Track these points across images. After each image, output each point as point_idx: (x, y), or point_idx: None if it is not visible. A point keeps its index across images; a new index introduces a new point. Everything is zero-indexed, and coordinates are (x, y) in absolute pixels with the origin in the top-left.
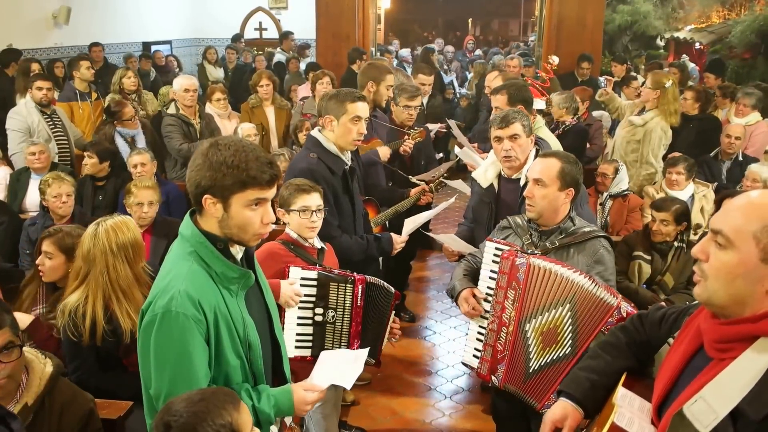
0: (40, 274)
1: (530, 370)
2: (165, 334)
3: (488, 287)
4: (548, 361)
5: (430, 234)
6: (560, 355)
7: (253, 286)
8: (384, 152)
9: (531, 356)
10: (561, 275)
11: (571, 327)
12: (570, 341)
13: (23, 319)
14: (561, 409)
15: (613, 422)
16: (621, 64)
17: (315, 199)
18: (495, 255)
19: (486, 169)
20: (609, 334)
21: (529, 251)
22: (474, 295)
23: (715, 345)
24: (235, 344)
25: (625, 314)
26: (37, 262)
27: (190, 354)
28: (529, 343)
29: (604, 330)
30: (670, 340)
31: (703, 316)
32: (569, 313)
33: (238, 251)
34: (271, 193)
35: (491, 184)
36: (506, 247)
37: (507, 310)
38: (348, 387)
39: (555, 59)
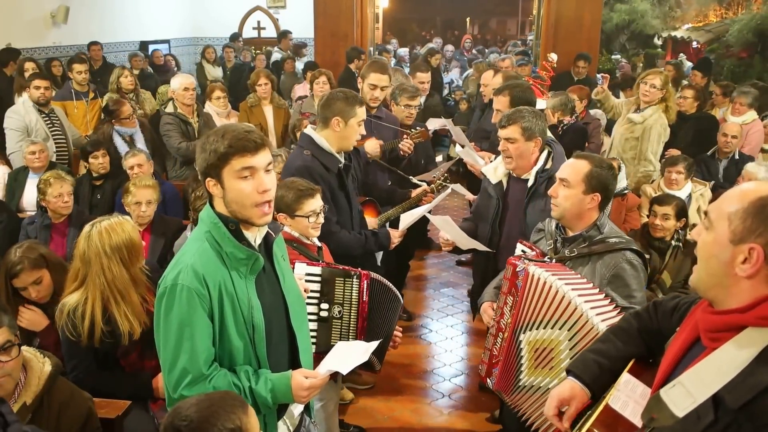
0: (37, 299)
1: (520, 383)
2: (170, 305)
3: None
4: (540, 384)
5: (429, 216)
6: (554, 385)
7: (268, 273)
8: (372, 147)
9: (522, 368)
10: (561, 293)
11: (568, 359)
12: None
13: (39, 321)
14: (569, 389)
15: (607, 404)
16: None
17: (318, 201)
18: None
19: (497, 166)
20: (622, 319)
21: (546, 257)
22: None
23: (707, 334)
24: (239, 324)
25: None
26: (30, 297)
27: (191, 326)
28: (522, 354)
29: None
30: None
31: (701, 307)
32: (567, 342)
33: (256, 237)
34: (257, 159)
35: (500, 181)
36: (530, 251)
37: (505, 316)
38: (344, 372)
39: (554, 57)
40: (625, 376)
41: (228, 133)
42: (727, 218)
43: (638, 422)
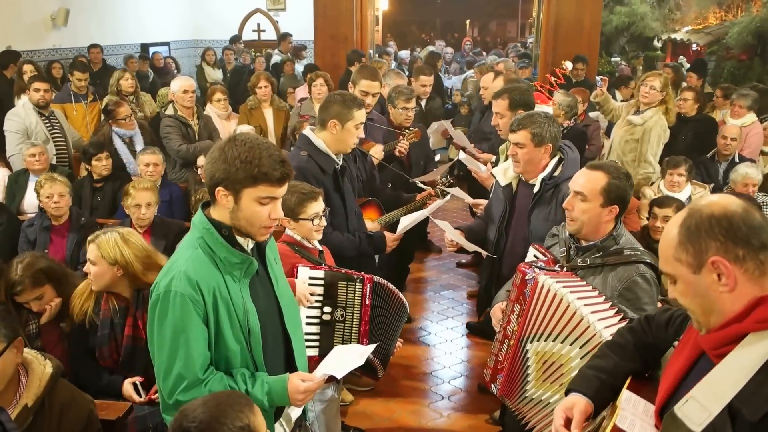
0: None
1: (526, 394)
2: (164, 312)
3: None
4: (550, 400)
5: (432, 218)
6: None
7: (261, 277)
8: (377, 151)
9: (529, 379)
10: (572, 308)
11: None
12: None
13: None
14: (571, 400)
15: (615, 424)
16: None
17: (321, 203)
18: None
19: (507, 168)
20: (617, 334)
21: (557, 266)
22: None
23: (713, 351)
24: (235, 328)
25: None
26: (36, 309)
27: (185, 332)
28: (529, 364)
29: None
30: (676, 343)
31: None
32: (579, 360)
33: (249, 242)
34: (281, 191)
35: (509, 184)
36: (542, 256)
37: (511, 324)
38: (339, 377)
39: (568, 65)
40: (626, 393)
41: (264, 158)
42: (676, 261)
43: None
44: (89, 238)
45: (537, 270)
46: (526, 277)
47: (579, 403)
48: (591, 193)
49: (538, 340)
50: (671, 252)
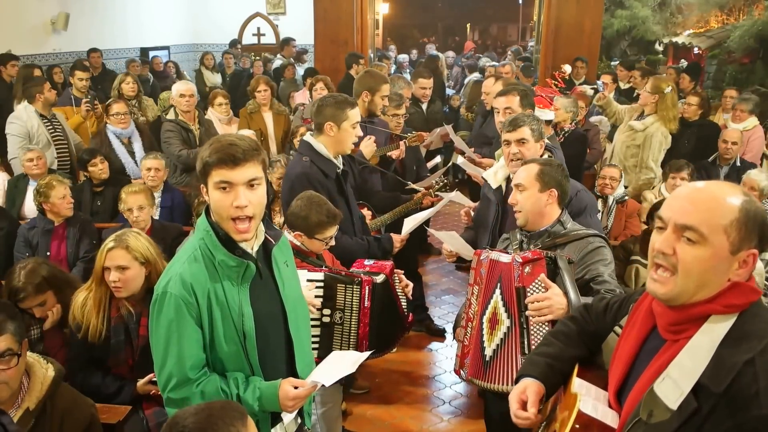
0: (50, 322)
1: (487, 359)
2: (159, 312)
3: None
4: (498, 342)
5: (430, 230)
6: (504, 331)
7: (265, 280)
8: (368, 149)
9: (485, 344)
10: (499, 262)
11: (503, 304)
12: (505, 315)
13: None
14: (522, 385)
15: (579, 410)
16: (627, 69)
17: (336, 227)
18: None
19: (497, 171)
20: (560, 323)
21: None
22: None
23: (669, 327)
24: (230, 331)
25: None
26: (39, 315)
27: (178, 332)
28: (483, 332)
29: (518, 285)
30: (617, 329)
31: (656, 301)
32: (500, 294)
33: (253, 245)
34: (235, 174)
35: (500, 186)
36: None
37: (472, 306)
38: (327, 384)
39: (567, 68)
40: (578, 380)
41: (215, 143)
42: (723, 231)
43: (611, 422)
44: (112, 245)
45: (490, 250)
46: (481, 258)
47: (531, 385)
48: (527, 181)
49: (486, 309)
50: (723, 221)
